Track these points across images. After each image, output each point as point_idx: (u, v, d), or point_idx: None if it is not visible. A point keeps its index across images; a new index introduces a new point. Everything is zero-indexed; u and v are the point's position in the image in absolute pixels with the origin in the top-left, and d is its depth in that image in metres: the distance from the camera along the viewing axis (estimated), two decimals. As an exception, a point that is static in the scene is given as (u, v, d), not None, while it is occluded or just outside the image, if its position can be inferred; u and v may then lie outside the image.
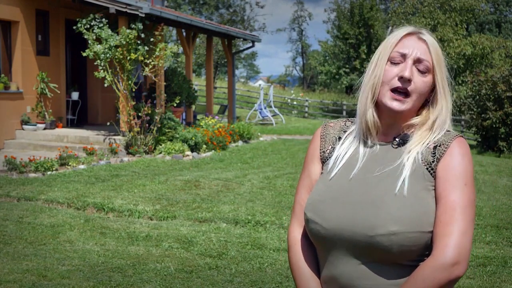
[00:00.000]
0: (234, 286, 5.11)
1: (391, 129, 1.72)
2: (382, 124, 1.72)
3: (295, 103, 31.83)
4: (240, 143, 15.61)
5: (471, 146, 20.88)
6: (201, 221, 7.38)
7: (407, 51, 1.67)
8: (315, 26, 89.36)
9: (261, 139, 17.36)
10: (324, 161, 1.79)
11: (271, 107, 25.43)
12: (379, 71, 1.68)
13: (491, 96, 19.05)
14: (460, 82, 29.92)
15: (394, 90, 1.65)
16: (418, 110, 1.72)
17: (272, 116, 24.48)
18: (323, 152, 1.80)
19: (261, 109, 23.93)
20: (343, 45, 34.35)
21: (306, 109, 30.25)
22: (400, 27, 1.74)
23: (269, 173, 10.91)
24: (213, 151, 13.70)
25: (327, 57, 38.40)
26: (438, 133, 1.69)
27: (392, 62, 1.67)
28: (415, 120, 1.70)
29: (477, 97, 19.47)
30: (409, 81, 1.64)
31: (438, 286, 1.53)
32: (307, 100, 30.55)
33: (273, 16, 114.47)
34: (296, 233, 1.80)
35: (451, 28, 31.02)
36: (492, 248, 6.38)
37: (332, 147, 1.79)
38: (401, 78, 1.65)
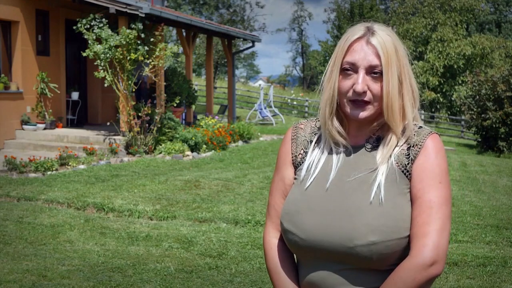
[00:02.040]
0: (234, 286, 5.11)
1: (361, 132, 1.70)
2: (350, 128, 1.70)
3: (295, 103, 31.83)
4: (240, 143, 15.61)
5: (471, 146, 20.88)
6: (201, 221, 7.38)
7: (357, 60, 1.62)
8: (315, 26, 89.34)
9: (261, 139, 17.36)
10: (296, 165, 1.76)
11: (271, 107, 25.42)
12: (332, 84, 1.66)
13: (491, 96, 19.06)
14: (460, 82, 29.93)
15: (355, 101, 1.63)
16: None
17: (272, 116, 24.48)
18: (295, 156, 1.77)
19: (261, 109, 23.92)
20: (343, 45, 34.32)
21: (306, 109, 30.26)
22: (349, 28, 1.69)
23: (269, 173, 10.91)
24: (213, 151, 13.70)
25: (327, 57, 38.40)
26: (408, 130, 1.65)
27: (345, 72, 1.64)
28: (379, 121, 1.66)
29: (477, 97, 19.49)
30: (364, 92, 1.61)
31: (417, 286, 1.53)
32: (307, 100, 30.55)
33: (273, 16, 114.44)
34: (271, 237, 1.79)
35: (451, 28, 31.03)
36: (492, 248, 6.38)
37: (304, 151, 1.76)
38: (355, 92, 1.62)
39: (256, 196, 8.77)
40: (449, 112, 30.13)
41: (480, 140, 19.95)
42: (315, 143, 1.75)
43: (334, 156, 1.69)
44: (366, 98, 1.62)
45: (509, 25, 49.62)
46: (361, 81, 1.61)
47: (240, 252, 6.10)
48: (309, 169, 1.71)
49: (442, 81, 30.27)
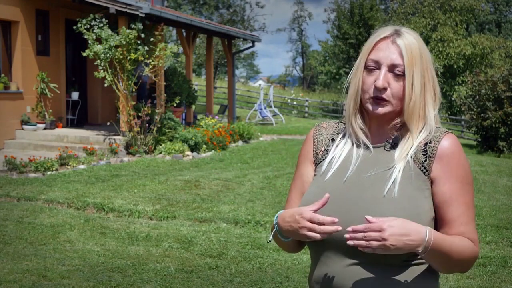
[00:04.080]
0: (234, 286, 5.12)
1: (382, 131, 1.74)
2: (372, 126, 1.75)
3: (295, 103, 31.82)
4: (240, 143, 15.61)
5: (471, 146, 20.88)
6: (201, 221, 7.38)
7: (380, 58, 1.68)
8: (315, 26, 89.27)
9: (261, 139, 17.36)
10: (317, 163, 1.81)
11: (271, 107, 25.42)
12: (357, 81, 1.73)
13: (491, 96, 19.06)
14: (460, 82, 29.93)
15: (376, 98, 1.68)
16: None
17: (272, 116, 24.47)
18: (316, 154, 1.82)
19: (261, 109, 23.92)
20: (343, 45, 34.33)
21: (306, 109, 30.24)
22: (378, 29, 1.75)
23: (269, 173, 10.91)
24: (213, 151, 13.70)
25: (327, 57, 38.39)
26: (427, 130, 1.70)
27: (369, 69, 1.70)
28: (398, 120, 1.71)
29: (477, 97, 19.48)
30: (384, 89, 1.66)
31: (468, 260, 1.65)
32: (307, 100, 30.54)
33: (273, 16, 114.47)
34: None
35: (451, 28, 31.01)
36: (492, 248, 6.38)
37: (325, 149, 1.81)
38: (375, 88, 1.67)
39: (256, 196, 8.77)
40: (449, 112, 30.12)
41: (480, 140, 19.94)
42: (338, 141, 1.80)
43: (355, 153, 1.74)
44: (385, 96, 1.67)
45: (509, 25, 49.60)
46: (382, 77, 1.66)
47: (240, 252, 6.10)
48: (330, 163, 1.76)
49: (442, 81, 30.25)
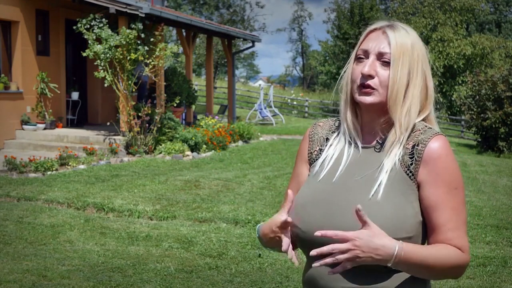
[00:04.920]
0: (234, 286, 5.12)
1: (374, 128, 1.71)
2: (364, 122, 1.72)
3: (295, 103, 31.81)
4: (240, 143, 15.61)
5: (471, 146, 20.89)
6: (201, 221, 7.38)
7: (369, 47, 1.67)
8: (315, 26, 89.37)
9: (261, 139, 17.35)
10: (311, 162, 1.80)
11: (271, 107, 25.42)
12: (347, 72, 1.73)
13: (491, 96, 19.07)
14: (460, 82, 29.94)
15: (362, 86, 1.67)
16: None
17: (272, 116, 24.47)
18: (311, 153, 1.81)
19: (261, 109, 23.91)
20: (343, 45, 34.36)
21: (306, 109, 30.24)
22: (374, 22, 1.75)
23: (269, 173, 10.91)
24: (213, 151, 13.70)
25: (327, 57, 38.43)
26: (408, 124, 1.65)
27: (358, 59, 1.69)
28: (388, 116, 1.68)
29: (477, 97, 19.50)
30: (369, 76, 1.65)
31: (453, 269, 1.61)
32: (307, 100, 30.54)
33: (273, 16, 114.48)
34: None
35: (451, 28, 31.04)
36: (492, 248, 6.38)
37: (319, 149, 1.79)
38: (362, 75, 1.66)
39: (256, 196, 8.77)
40: (449, 112, 30.13)
41: (480, 140, 19.96)
42: (332, 140, 1.78)
43: (346, 154, 1.73)
44: (371, 83, 1.65)
45: (509, 25, 49.62)
46: (368, 64, 1.66)
47: (240, 252, 6.10)
48: (323, 164, 1.75)
49: (442, 81, 30.27)
